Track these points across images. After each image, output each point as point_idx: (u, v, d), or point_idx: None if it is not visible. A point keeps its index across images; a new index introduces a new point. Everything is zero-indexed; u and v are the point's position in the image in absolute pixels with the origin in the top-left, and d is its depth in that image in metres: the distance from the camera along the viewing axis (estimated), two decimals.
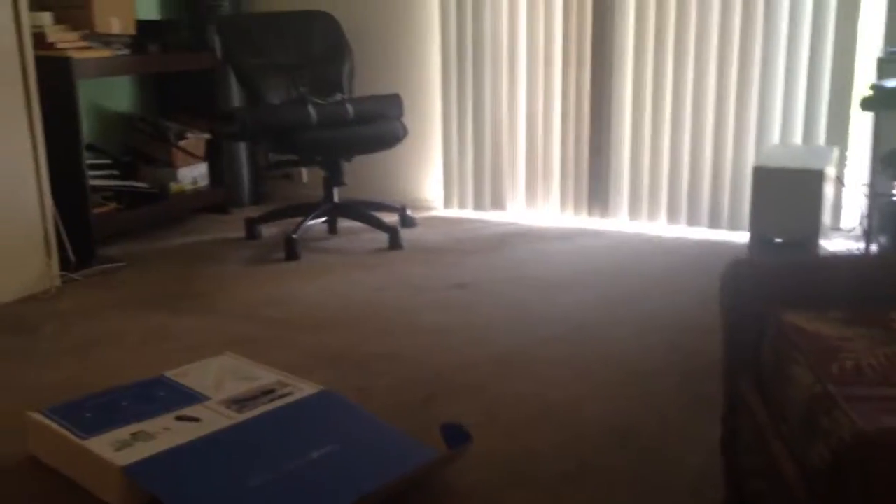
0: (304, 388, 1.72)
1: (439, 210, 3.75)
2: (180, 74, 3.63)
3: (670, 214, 3.35)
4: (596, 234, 3.29)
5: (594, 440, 1.64)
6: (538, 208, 3.59)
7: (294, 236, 3.08)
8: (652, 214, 3.38)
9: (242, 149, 3.85)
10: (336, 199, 3.34)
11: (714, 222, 3.27)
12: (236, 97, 3.72)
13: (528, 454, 1.59)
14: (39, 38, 2.85)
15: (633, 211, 3.41)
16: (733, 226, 3.23)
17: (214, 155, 3.69)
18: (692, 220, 3.31)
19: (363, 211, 3.33)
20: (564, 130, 3.48)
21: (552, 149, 3.52)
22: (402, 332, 2.28)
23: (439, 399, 1.85)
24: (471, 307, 2.48)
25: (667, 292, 2.57)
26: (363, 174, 3.76)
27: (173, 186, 3.51)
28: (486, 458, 1.57)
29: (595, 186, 3.46)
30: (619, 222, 3.43)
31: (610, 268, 2.84)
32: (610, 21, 3.32)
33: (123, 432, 1.52)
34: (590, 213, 3.49)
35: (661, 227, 3.35)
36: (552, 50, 3.45)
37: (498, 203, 3.65)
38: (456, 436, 1.49)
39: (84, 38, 3.06)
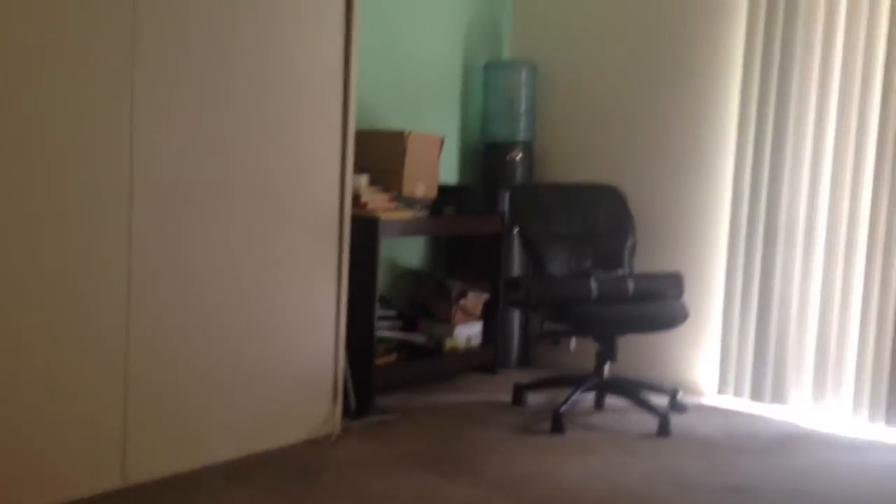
0: None
1: (711, 397, 3.57)
2: (469, 239, 3.83)
3: None
4: (894, 450, 2.95)
5: None
6: (825, 407, 3.30)
7: (562, 410, 3.05)
8: None
9: (516, 313, 3.94)
10: (606, 374, 3.29)
11: None
12: (517, 265, 3.85)
13: None
14: (355, 198, 3.14)
15: None
16: None
17: (489, 316, 3.80)
18: None
19: (633, 390, 3.25)
20: (864, 322, 3.20)
21: (847, 341, 3.25)
22: None
23: None
24: None
25: None
26: (633, 350, 3.68)
27: (448, 343, 3.64)
28: None
29: None
30: None
31: None
32: None
33: None
34: (887, 421, 3.14)
35: None
36: (856, 233, 3.23)
37: (778, 396, 3.40)
38: None
39: (392, 199, 3.33)
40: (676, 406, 3.33)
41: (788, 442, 3.01)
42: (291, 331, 2.75)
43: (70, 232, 2.18)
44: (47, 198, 2.13)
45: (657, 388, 3.38)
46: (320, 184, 2.80)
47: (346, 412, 3.01)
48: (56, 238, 2.15)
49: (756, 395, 3.45)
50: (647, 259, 3.63)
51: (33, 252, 2.12)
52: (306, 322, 2.80)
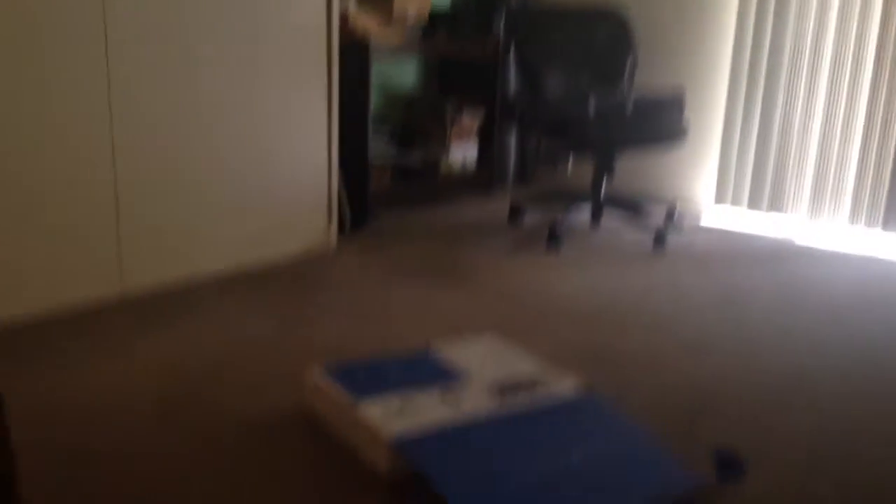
0: (567, 385, 1.67)
1: (709, 211, 3.56)
2: (463, 61, 3.70)
3: None
4: (889, 262, 2.96)
5: (892, 494, 1.46)
6: (822, 215, 3.30)
7: (557, 227, 3.05)
8: None
9: (512, 134, 3.87)
10: (603, 191, 3.26)
11: None
12: (513, 87, 3.74)
13: (809, 499, 1.44)
14: (343, 21, 3.02)
15: None
16: None
17: (484, 137, 3.74)
18: None
19: (630, 207, 3.23)
20: (867, 137, 3.16)
21: (850, 155, 3.22)
22: (664, 340, 2.18)
23: (704, 420, 1.73)
24: (740, 324, 2.32)
25: None
26: (630, 168, 3.64)
27: (443, 164, 3.60)
28: (758, 494, 1.44)
29: None
30: None
31: None
32: None
33: (393, 402, 1.56)
34: (885, 226, 3.15)
35: None
36: (864, 52, 3.13)
37: (776, 204, 3.41)
38: (729, 465, 1.38)
39: (383, 22, 3.20)
40: (673, 220, 3.33)
41: (784, 256, 3.03)
42: (283, 149, 2.70)
43: (49, 59, 2.08)
44: (25, 35, 2.03)
45: (654, 203, 3.36)
46: (305, 4, 2.68)
47: (342, 230, 3.01)
48: (36, 70, 2.06)
49: (753, 203, 3.45)
50: (649, 75, 3.53)
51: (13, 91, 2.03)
52: (298, 140, 2.74)
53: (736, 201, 3.50)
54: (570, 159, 3.83)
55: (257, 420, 1.66)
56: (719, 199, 3.54)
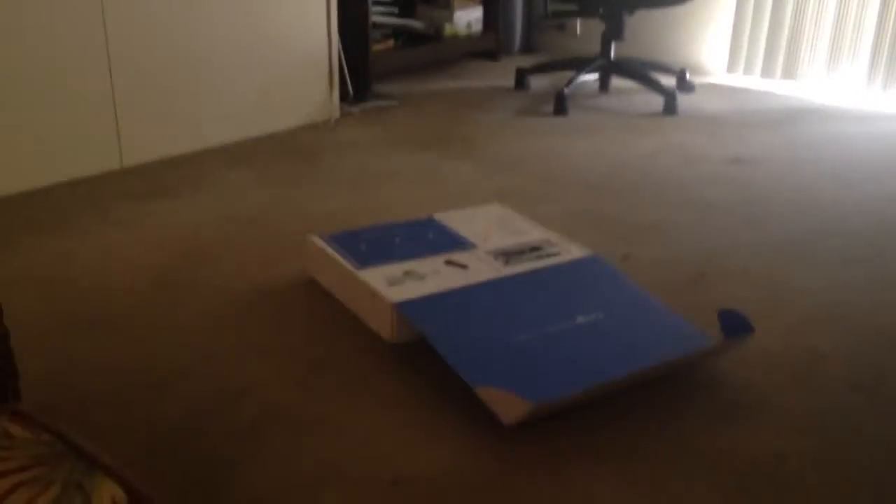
0: (572, 251, 1.66)
1: (721, 76, 3.46)
2: None
3: None
4: None
5: (893, 353, 1.46)
6: (837, 78, 3.21)
7: (565, 91, 2.97)
8: None
9: None
10: (612, 55, 3.16)
11: None
12: None
13: (813, 358, 1.44)
14: None
15: None
16: None
17: (491, 1, 3.60)
18: None
19: (639, 70, 3.13)
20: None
21: (867, 15, 3.09)
22: (673, 203, 2.15)
23: (710, 281, 1.72)
24: (749, 185, 2.28)
25: None
26: (641, 31, 3.52)
27: (447, 28, 3.48)
28: (762, 355, 1.45)
29: None
30: None
31: None
32: None
33: (396, 269, 1.55)
34: None
35: None
36: None
37: (790, 72, 3.30)
38: (735, 324, 1.38)
39: None
40: (684, 85, 3.24)
41: (797, 115, 2.96)
42: (281, 16, 2.60)
43: None
44: None
45: (664, 69, 3.27)
46: None
47: (345, 98, 2.94)
48: None
49: (767, 72, 3.35)
50: None
51: None
52: (296, 7, 2.64)
53: (749, 69, 3.39)
54: (578, 24, 3.69)
55: (262, 288, 1.66)
56: (731, 67, 3.43)
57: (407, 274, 1.53)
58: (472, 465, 1.15)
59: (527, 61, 3.48)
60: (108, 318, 1.54)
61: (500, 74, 3.47)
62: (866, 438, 1.22)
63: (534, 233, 1.74)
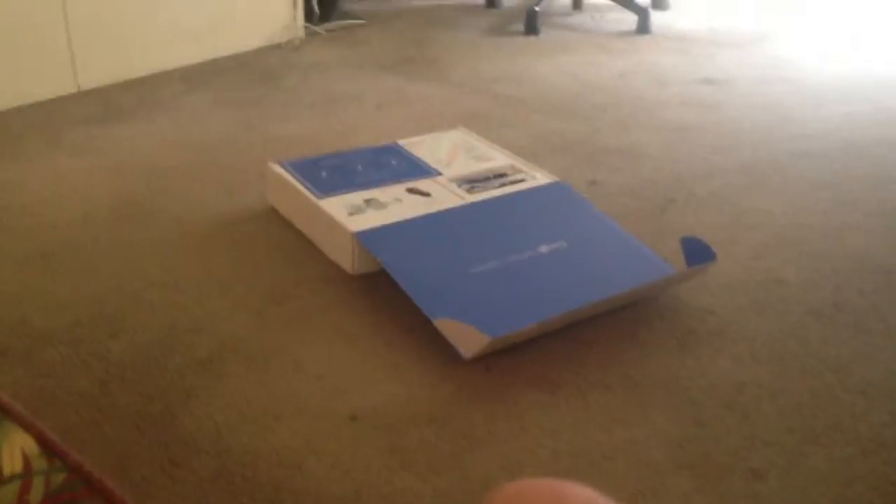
0: (537, 177, 1.63)
1: None
2: None
3: None
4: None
5: (854, 277, 1.46)
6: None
7: (536, 8, 2.89)
8: None
9: None
10: None
11: None
12: None
13: (775, 283, 1.44)
14: None
15: None
16: None
17: None
18: None
19: None
20: None
21: None
22: (642, 126, 2.12)
23: (678, 206, 1.71)
24: (719, 106, 2.25)
25: None
26: None
27: None
28: (724, 281, 1.45)
29: None
30: None
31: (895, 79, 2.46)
32: None
33: (356, 197, 1.52)
34: None
35: None
36: None
37: None
38: (698, 252, 1.37)
39: None
40: (659, 2, 3.17)
41: (772, 34, 2.90)
42: None
43: None
44: None
45: None
46: None
47: (310, 18, 2.85)
48: None
49: None
50: None
51: None
52: None
53: None
54: None
55: (221, 217, 1.63)
56: None
57: (368, 202, 1.50)
58: (430, 398, 1.15)
59: None
60: (61, 249, 1.51)
61: None
62: (823, 366, 1.23)
63: (499, 158, 1.71)
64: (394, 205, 1.50)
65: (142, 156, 1.90)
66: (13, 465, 0.52)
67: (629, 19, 2.98)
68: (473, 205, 1.52)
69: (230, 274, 1.44)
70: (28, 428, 0.56)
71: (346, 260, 1.43)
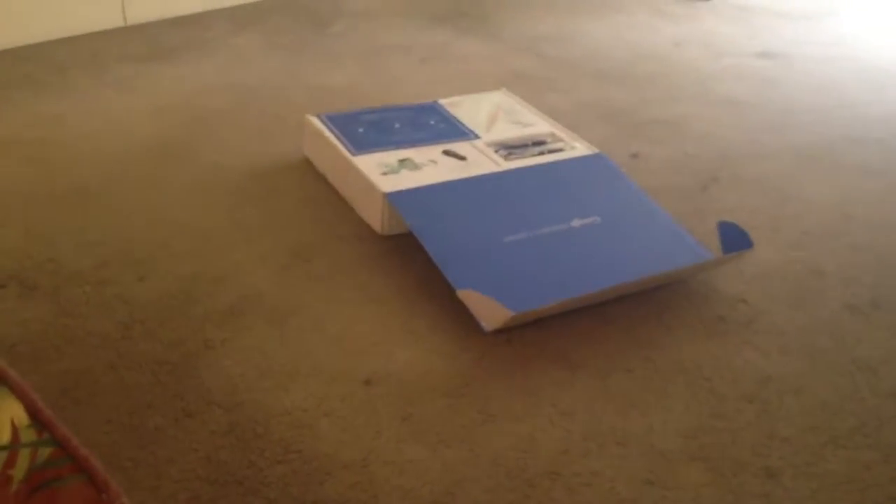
0: (578, 147, 1.59)
1: None
2: None
3: None
4: None
5: (891, 276, 1.41)
6: None
7: None
8: None
9: None
10: None
11: None
12: None
13: (813, 275, 1.40)
14: None
15: None
16: None
17: None
18: None
19: None
20: None
21: None
22: (692, 98, 2.05)
23: (721, 186, 1.66)
24: (775, 83, 2.17)
25: None
26: None
27: None
28: (761, 268, 1.41)
29: None
30: None
31: None
32: None
33: (392, 156, 1.50)
34: None
35: None
36: None
37: None
38: (735, 238, 1.33)
39: None
40: None
41: (839, 6, 2.79)
42: None
43: None
44: None
45: None
46: None
47: None
48: None
49: None
50: None
51: None
52: None
53: None
54: None
55: (256, 166, 1.62)
56: None
57: (402, 163, 1.48)
58: (447, 368, 1.14)
59: None
60: (96, 186, 1.52)
61: None
62: (853, 365, 1.19)
63: (539, 125, 1.67)
64: (428, 166, 1.48)
65: (184, 96, 1.89)
66: (1, 435, 0.52)
67: None
68: (509, 172, 1.49)
69: (259, 225, 1.44)
70: (21, 397, 0.56)
71: (376, 220, 1.42)
